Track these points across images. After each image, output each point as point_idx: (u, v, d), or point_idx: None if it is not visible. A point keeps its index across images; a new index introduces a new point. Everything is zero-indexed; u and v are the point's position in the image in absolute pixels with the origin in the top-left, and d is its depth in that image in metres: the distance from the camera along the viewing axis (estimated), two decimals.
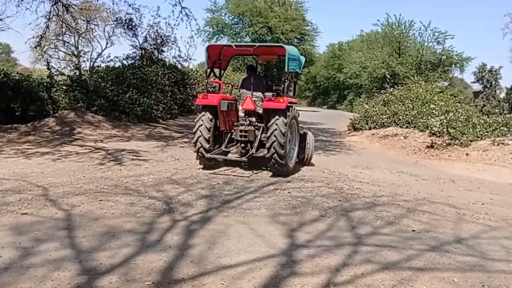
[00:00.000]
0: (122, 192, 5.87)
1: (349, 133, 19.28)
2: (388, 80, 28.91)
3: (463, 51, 38.37)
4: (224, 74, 9.16)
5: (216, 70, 8.47)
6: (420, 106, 17.83)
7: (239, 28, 34.19)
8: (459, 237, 4.70)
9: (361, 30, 58.83)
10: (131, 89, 15.64)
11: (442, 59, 30.36)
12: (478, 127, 13.53)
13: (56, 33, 25.41)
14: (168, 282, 3.23)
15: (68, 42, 28.80)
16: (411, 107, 18.19)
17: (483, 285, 3.46)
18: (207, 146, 7.60)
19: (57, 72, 15.79)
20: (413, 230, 4.82)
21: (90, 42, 31.18)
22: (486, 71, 39.26)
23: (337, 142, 15.93)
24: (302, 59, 8.46)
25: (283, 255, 3.88)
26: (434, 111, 16.11)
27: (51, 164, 8.01)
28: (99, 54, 27.86)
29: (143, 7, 42.43)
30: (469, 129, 13.30)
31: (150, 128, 14.68)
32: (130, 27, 20.51)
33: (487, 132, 13.23)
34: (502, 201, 6.91)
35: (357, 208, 5.62)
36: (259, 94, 8.18)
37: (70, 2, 15.65)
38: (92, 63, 26.54)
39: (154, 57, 20.21)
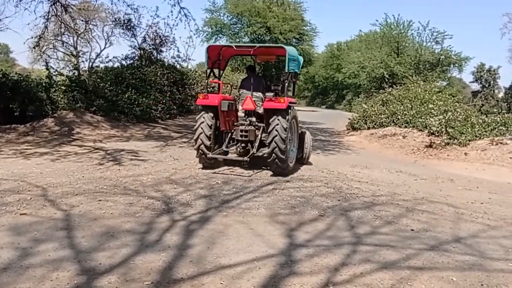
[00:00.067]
0: (121, 192, 5.87)
1: (347, 132, 19.29)
2: (386, 80, 28.94)
3: (461, 51, 38.40)
4: (223, 74, 9.16)
5: (216, 71, 8.47)
6: (418, 106, 17.84)
7: (237, 28, 34.20)
8: (458, 236, 4.71)
9: (360, 30, 58.98)
10: (130, 89, 15.64)
11: (440, 59, 30.41)
12: (477, 126, 13.55)
13: (55, 33, 25.39)
14: (167, 282, 3.23)
15: (67, 43, 28.73)
16: (410, 106, 18.21)
17: (482, 284, 3.47)
18: (208, 146, 7.62)
19: (56, 73, 15.79)
20: (412, 230, 4.83)
21: (89, 43, 31.12)
22: (485, 71, 39.30)
23: (336, 141, 15.94)
24: (301, 59, 8.54)
25: (282, 254, 3.89)
26: (432, 110, 16.12)
27: (50, 164, 8.00)
28: (98, 55, 27.83)
29: (142, 7, 42.54)
30: (468, 128, 13.32)
31: (149, 128, 14.67)
32: (129, 27, 20.53)
33: (485, 131, 13.25)
34: (500, 200, 6.92)
35: (356, 207, 5.62)
36: (259, 94, 8.22)
37: (69, 3, 15.66)
38: (91, 63, 26.57)
39: (153, 57, 20.21)
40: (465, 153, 11.71)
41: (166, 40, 20.71)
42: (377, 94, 23.92)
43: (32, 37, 26.43)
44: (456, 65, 31.26)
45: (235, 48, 8.29)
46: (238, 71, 28.92)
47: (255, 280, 3.33)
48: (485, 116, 16.97)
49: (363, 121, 19.14)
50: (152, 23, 20.36)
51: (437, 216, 5.51)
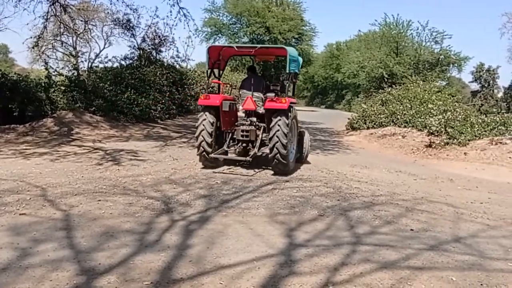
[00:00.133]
0: (120, 192, 5.87)
1: (347, 132, 19.28)
2: (386, 80, 28.94)
3: (460, 51, 38.45)
4: (222, 74, 9.19)
5: (216, 71, 8.51)
6: (418, 106, 17.85)
7: (237, 28, 34.23)
8: (458, 236, 4.71)
9: (359, 30, 59.04)
10: (129, 89, 15.63)
11: (440, 59, 30.44)
12: (476, 126, 13.55)
13: (54, 33, 25.38)
14: (166, 282, 3.23)
15: (66, 43, 28.69)
16: (409, 106, 18.21)
17: (481, 284, 3.47)
18: (210, 146, 7.66)
19: (55, 73, 15.78)
20: (411, 229, 4.83)
21: (88, 43, 31.09)
22: (484, 71, 39.27)
23: (335, 141, 15.93)
24: (300, 59, 8.60)
25: (282, 254, 3.88)
26: (432, 110, 16.12)
27: (49, 164, 7.99)
28: (97, 55, 27.85)
29: (141, 7, 42.49)
30: (467, 128, 13.32)
31: (148, 128, 14.66)
32: (128, 27, 20.53)
33: (485, 131, 13.25)
34: (500, 200, 6.93)
35: (355, 207, 5.62)
36: (259, 94, 8.29)
37: (68, 3, 15.65)
38: (90, 63, 26.53)
39: (152, 57, 20.21)
40: (465, 153, 11.72)
41: (165, 40, 20.73)
42: (376, 94, 23.93)
43: (31, 37, 26.49)
44: (456, 65, 31.28)
45: (236, 49, 8.35)
46: (237, 71, 28.93)
47: (255, 280, 3.33)
48: (484, 116, 16.94)
49: (363, 121, 19.14)
50: (151, 23, 20.40)
51: (437, 216, 5.51)
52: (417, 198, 6.52)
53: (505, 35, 52.28)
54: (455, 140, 12.58)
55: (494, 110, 25.39)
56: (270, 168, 7.78)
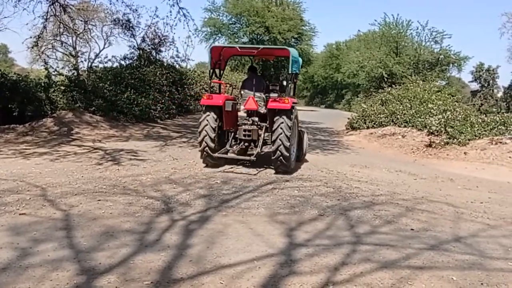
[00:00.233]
0: (120, 192, 5.86)
1: (347, 132, 19.29)
2: (385, 80, 28.93)
3: (460, 51, 38.50)
4: (223, 74, 9.22)
5: (217, 71, 8.55)
6: (418, 105, 17.85)
7: (236, 28, 34.20)
8: (458, 235, 4.71)
9: (359, 30, 59.02)
10: (129, 89, 15.62)
11: (439, 59, 30.42)
12: (476, 126, 13.55)
13: (54, 33, 25.32)
14: (167, 282, 3.23)
15: (65, 43, 28.68)
16: (409, 106, 18.21)
17: (481, 283, 3.47)
18: (212, 146, 7.71)
19: (55, 72, 15.77)
20: (411, 229, 4.83)
21: (87, 43, 31.06)
22: (484, 70, 39.26)
23: (335, 141, 15.93)
24: (300, 60, 8.70)
25: (282, 254, 3.88)
26: (432, 110, 16.11)
27: (49, 164, 7.99)
28: (97, 55, 27.81)
29: (141, 7, 42.46)
30: (467, 128, 13.32)
31: (148, 128, 14.66)
32: (128, 27, 20.49)
33: (485, 131, 13.25)
34: (500, 200, 6.93)
35: (355, 207, 5.62)
36: (261, 94, 8.34)
37: (68, 3, 15.62)
38: (90, 63, 26.50)
39: (152, 57, 20.20)
40: (465, 153, 11.72)
41: (165, 40, 20.72)
42: (376, 94, 23.94)
43: (30, 37, 26.40)
44: (455, 64, 31.26)
45: (239, 49, 8.46)
46: (237, 71, 28.93)
47: (255, 279, 3.33)
48: (484, 115, 16.94)
49: (362, 120, 19.14)
50: (151, 23, 20.37)
51: (437, 215, 5.51)
52: (417, 197, 6.52)
53: (504, 35, 52.27)
54: (455, 139, 12.58)
55: (494, 109, 25.44)
56: (272, 167, 7.82)
